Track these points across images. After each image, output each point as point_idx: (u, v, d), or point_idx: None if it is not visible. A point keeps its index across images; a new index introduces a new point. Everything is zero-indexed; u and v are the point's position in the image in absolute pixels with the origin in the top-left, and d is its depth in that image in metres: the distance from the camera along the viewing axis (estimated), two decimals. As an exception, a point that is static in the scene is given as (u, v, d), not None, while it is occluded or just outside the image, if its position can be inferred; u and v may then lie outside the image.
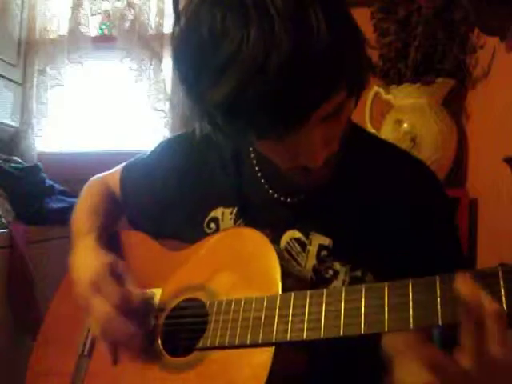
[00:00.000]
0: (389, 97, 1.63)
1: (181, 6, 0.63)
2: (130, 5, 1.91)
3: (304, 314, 0.62)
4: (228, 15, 0.56)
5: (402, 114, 1.59)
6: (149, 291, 0.81)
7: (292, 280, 0.70)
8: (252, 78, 0.55)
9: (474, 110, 1.61)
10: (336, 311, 0.60)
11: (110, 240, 0.92)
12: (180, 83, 0.64)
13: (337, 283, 0.73)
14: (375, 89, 1.63)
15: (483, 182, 1.48)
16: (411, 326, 0.55)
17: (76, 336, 0.85)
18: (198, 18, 0.58)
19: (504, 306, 0.52)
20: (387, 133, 1.59)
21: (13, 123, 1.96)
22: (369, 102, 1.64)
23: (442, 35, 1.51)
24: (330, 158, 0.67)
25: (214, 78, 0.57)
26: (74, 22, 1.94)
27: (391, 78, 1.59)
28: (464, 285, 0.52)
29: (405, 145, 1.50)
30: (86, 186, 1.02)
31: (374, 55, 1.60)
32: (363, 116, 1.64)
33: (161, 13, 1.91)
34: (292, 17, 0.54)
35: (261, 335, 0.64)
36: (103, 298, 0.74)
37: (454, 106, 1.64)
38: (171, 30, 0.64)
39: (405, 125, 1.56)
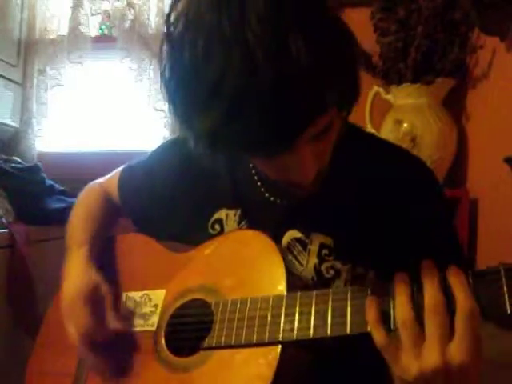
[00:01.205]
0: (389, 97, 1.63)
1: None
2: (130, 5, 1.91)
3: (310, 312, 0.62)
4: (208, 44, 0.54)
5: (401, 114, 1.59)
6: (141, 294, 0.82)
7: (296, 280, 0.70)
8: (236, 108, 0.54)
9: (473, 110, 1.61)
10: (342, 309, 0.61)
11: (110, 244, 0.92)
12: (167, 102, 0.63)
13: (339, 282, 0.74)
14: (375, 89, 1.63)
15: (483, 182, 1.48)
16: None
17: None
18: (181, 45, 0.57)
19: (507, 304, 0.52)
20: (387, 133, 1.59)
21: (13, 123, 1.96)
22: (369, 102, 1.64)
23: (442, 35, 1.51)
24: (320, 172, 0.67)
25: (198, 107, 0.57)
26: (74, 22, 1.94)
27: (391, 78, 1.59)
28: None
29: (405, 145, 1.50)
30: (82, 191, 1.02)
31: (373, 55, 1.61)
32: (363, 116, 1.64)
33: (161, 13, 1.91)
34: (271, 44, 0.52)
35: (267, 334, 0.64)
36: (73, 324, 0.80)
37: (454, 106, 1.64)
38: (159, 50, 0.62)
39: (405, 125, 1.56)
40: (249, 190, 0.82)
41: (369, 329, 0.58)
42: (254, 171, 0.82)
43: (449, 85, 1.57)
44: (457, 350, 0.53)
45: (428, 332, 0.55)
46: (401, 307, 0.56)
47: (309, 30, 0.54)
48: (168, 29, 0.60)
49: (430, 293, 0.55)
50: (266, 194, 0.80)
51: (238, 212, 0.81)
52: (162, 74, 0.62)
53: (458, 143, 1.59)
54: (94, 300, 0.80)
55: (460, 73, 1.57)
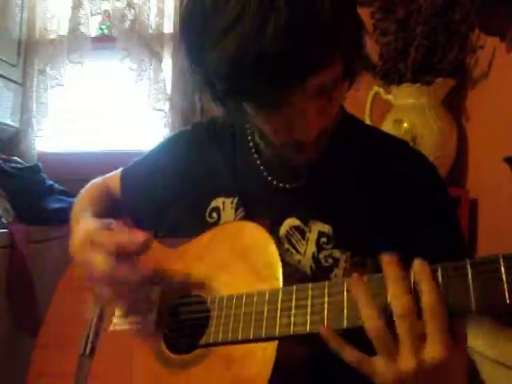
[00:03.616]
0: (389, 97, 1.63)
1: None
2: (129, 5, 1.91)
3: (307, 306, 0.62)
4: None
5: (402, 114, 1.59)
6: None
7: (293, 273, 0.70)
8: (251, 42, 0.57)
9: (474, 109, 1.61)
10: (338, 303, 0.60)
11: None
12: (185, 56, 0.67)
13: (337, 271, 0.74)
14: (375, 89, 1.63)
15: (483, 182, 1.48)
16: None
17: (76, 336, 0.85)
18: None
19: (506, 293, 0.51)
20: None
21: (13, 123, 1.96)
22: (369, 102, 1.64)
23: (442, 35, 1.51)
24: (322, 135, 0.68)
25: (214, 42, 0.60)
26: (74, 22, 1.94)
27: (391, 78, 1.59)
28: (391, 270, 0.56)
29: (405, 144, 1.50)
30: (85, 187, 1.02)
31: (374, 55, 1.60)
32: (363, 116, 1.63)
33: (161, 13, 1.91)
34: None
35: (264, 329, 0.64)
36: (87, 260, 0.72)
37: (454, 105, 1.64)
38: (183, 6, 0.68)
39: (405, 124, 1.56)
40: (249, 176, 0.82)
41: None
42: (256, 156, 0.83)
43: (449, 85, 1.57)
44: (430, 351, 0.53)
45: (400, 337, 0.54)
46: (369, 319, 0.55)
47: None
48: None
49: (396, 297, 0.54)
50: (269, 178, 0.81)
51: (235, 200, 0.81)
52: (181, 25, 0.68)
53: (458, 143, 1.59)
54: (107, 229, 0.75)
55: (460, 73, 1.57)
